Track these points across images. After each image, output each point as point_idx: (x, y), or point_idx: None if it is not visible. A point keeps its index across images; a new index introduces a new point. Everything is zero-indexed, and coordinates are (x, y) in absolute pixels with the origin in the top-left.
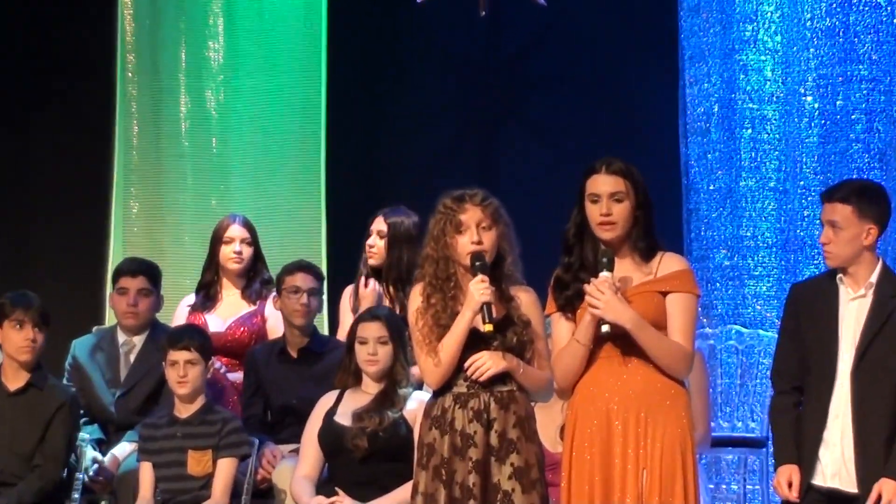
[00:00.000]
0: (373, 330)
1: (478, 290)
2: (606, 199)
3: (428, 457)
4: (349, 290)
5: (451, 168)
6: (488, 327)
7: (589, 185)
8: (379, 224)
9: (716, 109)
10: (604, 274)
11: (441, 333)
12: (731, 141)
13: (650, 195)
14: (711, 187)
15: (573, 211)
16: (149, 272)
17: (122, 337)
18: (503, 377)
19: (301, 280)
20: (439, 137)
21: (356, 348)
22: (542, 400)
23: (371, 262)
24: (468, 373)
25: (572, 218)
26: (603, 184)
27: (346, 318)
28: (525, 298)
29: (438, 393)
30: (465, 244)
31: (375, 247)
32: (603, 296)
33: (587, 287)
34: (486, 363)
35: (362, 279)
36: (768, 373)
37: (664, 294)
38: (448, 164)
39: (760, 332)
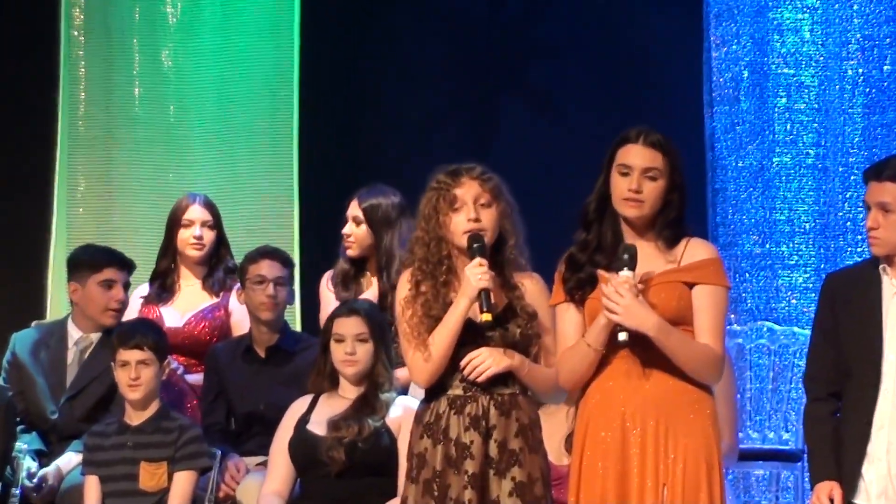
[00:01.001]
0: (350, 326)
1: (474, 274)
2: (639, 173)
3: (418, 469)
4: (328, 274)
5: (442, 142)
6: (486, 316)
7: (620, 154)
8: (353, 209)
9: (745, 75)
10: (624, 273)
11: (432, 325)
12: (763, 111)
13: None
14: (740, 164)
15: (598, 181)
16: (131, 266)
17: (77, 333)
18: (505, 378)
19: (266, 268)
20: (429, 108)
21: (332, 347)
22: (552, 401)
23: (349, 252)
24: (465, 373)
25: (596, 189)
26: (637, 156)
27: (328, 302)
28: (531, 287)
29: (432, 397)
30: (460, 222)
31: (352, 235)
32: (622, 299)
33: (604, 288)
34: (486, 361)
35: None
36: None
37: (690, 286)
38: (439, 137)
39: (796, 329)
